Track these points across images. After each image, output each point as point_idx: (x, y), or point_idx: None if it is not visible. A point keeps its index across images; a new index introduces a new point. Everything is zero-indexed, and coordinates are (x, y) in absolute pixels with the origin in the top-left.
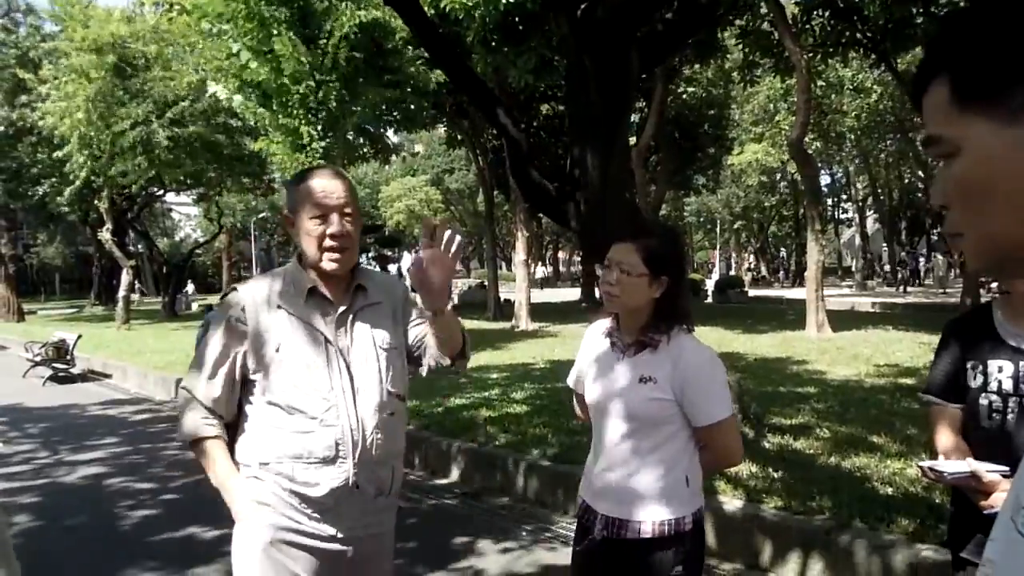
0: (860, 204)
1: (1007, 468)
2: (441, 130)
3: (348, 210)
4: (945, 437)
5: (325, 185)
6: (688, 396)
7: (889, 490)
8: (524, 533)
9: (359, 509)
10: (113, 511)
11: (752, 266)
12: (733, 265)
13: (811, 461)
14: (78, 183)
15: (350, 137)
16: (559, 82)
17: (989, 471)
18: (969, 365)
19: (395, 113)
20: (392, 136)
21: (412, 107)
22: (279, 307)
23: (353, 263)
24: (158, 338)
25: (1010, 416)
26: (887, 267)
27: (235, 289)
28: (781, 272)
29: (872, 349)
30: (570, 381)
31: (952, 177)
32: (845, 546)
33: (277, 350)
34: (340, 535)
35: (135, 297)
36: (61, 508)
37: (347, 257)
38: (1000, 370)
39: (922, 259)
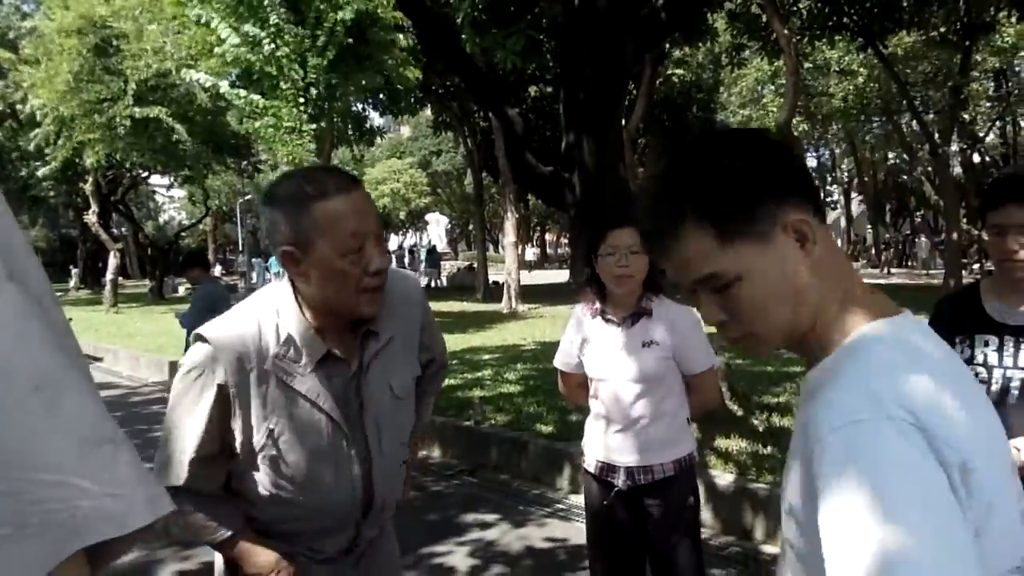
0: (845, 186)
1: None
2: (428, 112)
3: (379, 230)
4: None
5: (353, 206)
6: (682, 351)
7: None
8: (522, 508)
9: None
10: None
11: None
12: None
13: None
14: (55, 164)
15: (337, 120)
16: (547, 63)
17: None
18: (958, 339)
19: (382, 96)
20: (377, 118)
21: (400, 88)
22: (274, 376)
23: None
24: (147, 321)
25: (994, 387)
26: (871, 249)
27: (202, 338)
28: None
29: None
30: (558, 363)
31: (738, 298)
32: None
33: (271, 435)
34: (340, 551)
35: (121, 280)
36: None
37: (384, 290)
38: (986, 344)
39: (907, 241)
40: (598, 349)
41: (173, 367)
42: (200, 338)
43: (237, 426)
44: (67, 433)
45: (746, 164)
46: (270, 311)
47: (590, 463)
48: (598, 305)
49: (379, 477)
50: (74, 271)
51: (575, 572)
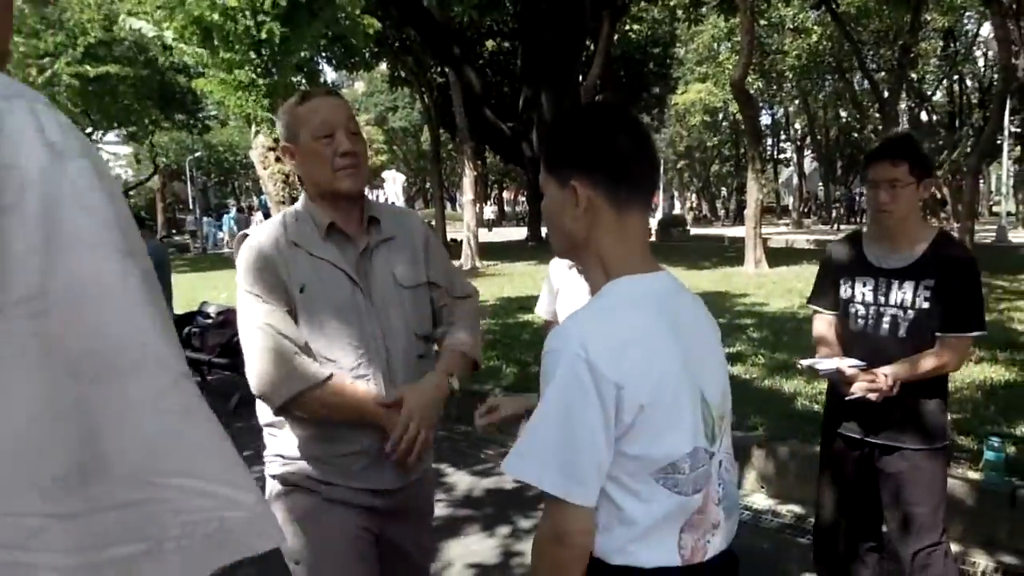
0: (798, 143)
1: (864, 364)
2: (384, 67)
3: (352, 127)
4: (822, 339)
5: (326, 104)
6: None
7: (816, 407)
8: (483, 456)
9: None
10: None
11: (694, 205)
12: (676, 204)
13: (746, 384)
14: None
15: (288, 75)
16: (504, 18)
17: (851, 367)
18: (842, 280)
19: (335, 49)
20: (331, 73)
21: (354, 43)
22: (296, 245)
23: (366, 183)
24: None
25: (870, 321)
26: (822, 205)
27: (247, 235)
28: (721, 211)
29: (805, 283)
30: (540, 311)
31: (543, 207)
32: (776, 458)
33: (301, 291)
34: (376, 487)
35: None
36: None
37: (361, 174)
38: (864, 284)
39: (857, 197)
40: (569, 299)
41: None
42: (244, 235)
43: (284, 287)
44: (209, 436)
45: (573, 137)
46: (292, 208)
47: None
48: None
49: (393, 348)
50: None
51: (533, 511)
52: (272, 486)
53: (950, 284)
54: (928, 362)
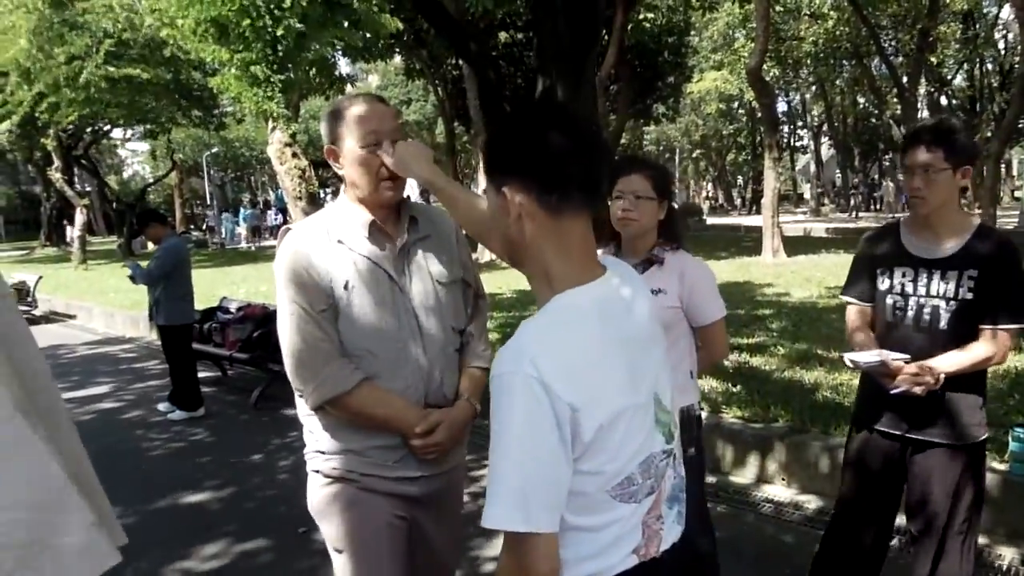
0: (815, 130)
1: (908, 356)
2: (398, 60)
3: (398, 136)
4: (858, 331)
5: (375, 112)
6: (693, 302)
7: (837, 398)
8: None
9: None
10: (120, 444)
11: (710, 194)
12: (691, 193)
13: (767, 376)
14: (15, 117)
15: (304, 70)
16: (518, 10)
17: (894, 359)
18: (879, 271)
19: (348, 43)
20: (346, 66)
21: (368, 36)
22: (339, 242)
23: (404, 191)
24: (119, 278)
25: (909, 312)
26: (840, 193)
27: (290, 229)
28: (738, 200)
29: (824, 272)
30: None
31: (488, 205)
32: (798, 449)
33: (345, 287)
34: (410, 476)
35: (88, 237)
36: None
37: (402, 184)
38: (903, 275)
39: (877, 185)
40: None
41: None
42: (288, 229)
43: (326, 285)
44: (35, 467)
45: (505, 141)
46: (334, 207)
47: None
48: (611, 252)
49: (429, 344)
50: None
51: None
52: (315, 479)
53: (995, 275)
54: (974, 354)
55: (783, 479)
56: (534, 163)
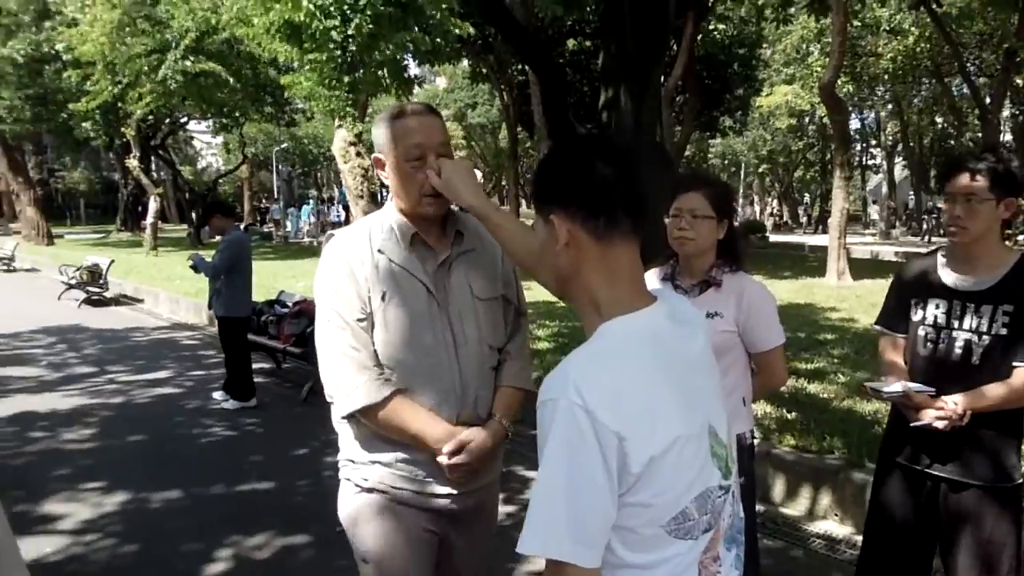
0: (889, 150)
1: (933, 389)
2: (465, 64)
3: (444, 150)
4: (889, 361)
5: (422, 125)
6: (750, 327)
7: None
8: None
9: None
10: (176, 429)
11: (775, 211)
12: (756, 209)
13: (825, 404)
14: (96, 101)
15: (373, 70)
16: (587, 17)
17: (918, 391)
18: (913, 301)
19: (418, 46)
20: (414, 68)
21: (437, 40)
22: (380, 252)
23: (448, 205)
24: (186, 266)
25: (941, 345)
26: (912, 216)
27: (333, 235)
28: (804, 218)
29: None
30: None
31: (538, 236)
32: (854, 484)
33: (383, 299)
34: (444, 491)
35: (160, 224)
36: (121, 425)
37: (445, 200)
38: (937, 307)
39: None
40: None
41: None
42: (331, 235)
43: (365, 294)
44: None
45: (551, 171)
46: (379, 214)
47: None
48: (669, 270)
49: (464, 360)
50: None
51: None
52: (346, 487)
53: None
54: (1004, 392)
55: (836, 515)
56: (579, 189)
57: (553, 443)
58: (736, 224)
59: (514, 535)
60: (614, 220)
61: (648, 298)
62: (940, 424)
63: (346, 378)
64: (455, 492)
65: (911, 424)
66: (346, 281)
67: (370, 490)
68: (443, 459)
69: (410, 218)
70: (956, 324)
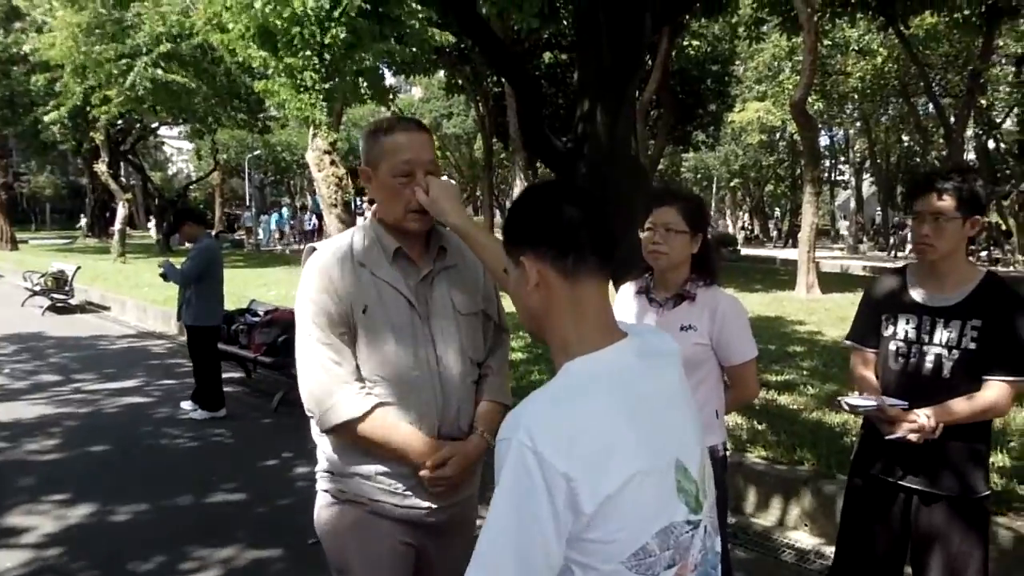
0: (857, 167)
1: (906, 403)
2: (441, 74)
3: (432, 167)
4: (860, 376)
5: (412, 141)
6: (723, 340)
7: None
8: None
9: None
10: (144, 440)
11: (746, 224)
12: (728, 223)
13: (795, 416)
14: (65, 107)
15: (350, 79)
16: (563, 31)
17: (892, 405)
18: (884, 317)
19: (395, 56)
20: (390, 78)
21: (413, 50)
22: (362, 266)
23: (432, 222)
24: (155, 272)
25: (912, 360)
26: (879, 231)
27: (314, 249)
28: (774, 232)
29: None
30: None
31: (511, 279)
32: (824, 495)
33: (364, 312)
34: (423, 504)
35: (129, 230)
36: (86, 435)
37: (430, 217)
38: (907, 322)
39: None
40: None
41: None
42: (312, 249)
43: (346, 308)
44: None
45: (520, 215)
46: (361, 227)
47: None
48: (644, 283)
49: (446, 373)
50: (83, 219)
51: None
52: (322, 498)
53: (999, 325)
54: (974, 405)
55: (806, 525)
56: (548, 230)
57: (503, 483)
58: (709, 238)
59: None
60: (582, 258)
61: (617, 335)
62: (913, 437)
63: (327, 392)
64: (434, 505)
65: (886, 437)
66: (327, 295)
67: (347, 501)
68: (425, 473)
69: (393, 232)
70: (927, 339)
